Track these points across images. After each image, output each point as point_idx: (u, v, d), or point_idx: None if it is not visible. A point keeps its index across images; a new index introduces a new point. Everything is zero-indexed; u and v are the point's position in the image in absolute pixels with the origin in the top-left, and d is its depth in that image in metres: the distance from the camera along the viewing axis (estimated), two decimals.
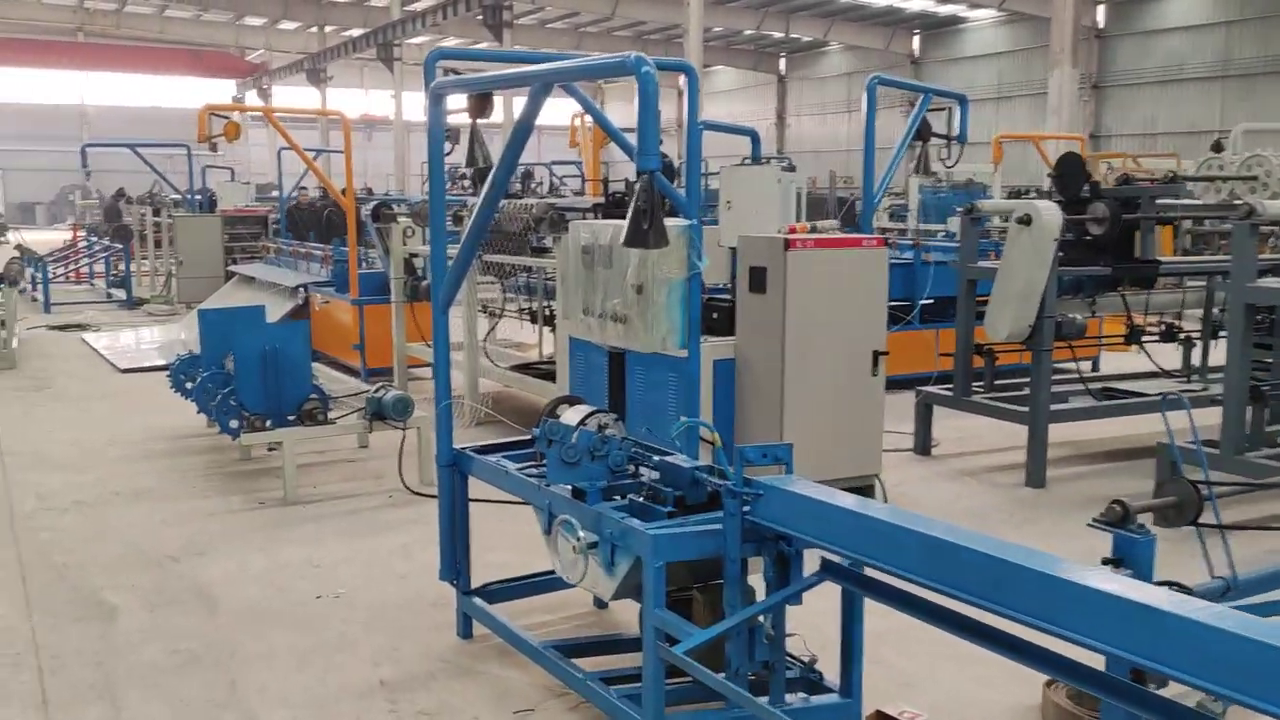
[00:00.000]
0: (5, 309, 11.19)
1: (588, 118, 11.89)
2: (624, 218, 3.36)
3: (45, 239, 27.84)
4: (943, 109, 9.72)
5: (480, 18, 27.98)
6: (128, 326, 14.41)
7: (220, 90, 45.39)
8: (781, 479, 3.11)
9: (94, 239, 21.70)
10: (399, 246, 9.27)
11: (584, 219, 6.50)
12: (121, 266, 18.01)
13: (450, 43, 42.75)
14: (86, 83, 51.19)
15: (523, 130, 3.79)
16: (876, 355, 5.91)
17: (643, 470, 3.75)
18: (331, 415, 6.69)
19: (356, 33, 39.10)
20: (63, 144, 43.23)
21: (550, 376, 7.66)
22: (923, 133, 8.80)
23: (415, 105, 39.52)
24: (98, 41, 49.35)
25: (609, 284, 4.10)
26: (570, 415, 3.77)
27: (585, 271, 4.23)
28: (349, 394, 7.08)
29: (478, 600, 4.30)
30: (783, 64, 44.51)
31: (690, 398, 5.16)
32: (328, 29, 43.02)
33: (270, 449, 6.93)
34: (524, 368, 8.55)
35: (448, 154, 4.21)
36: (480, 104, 5.30)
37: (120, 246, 18.53)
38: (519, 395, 8.71)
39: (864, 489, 5.77)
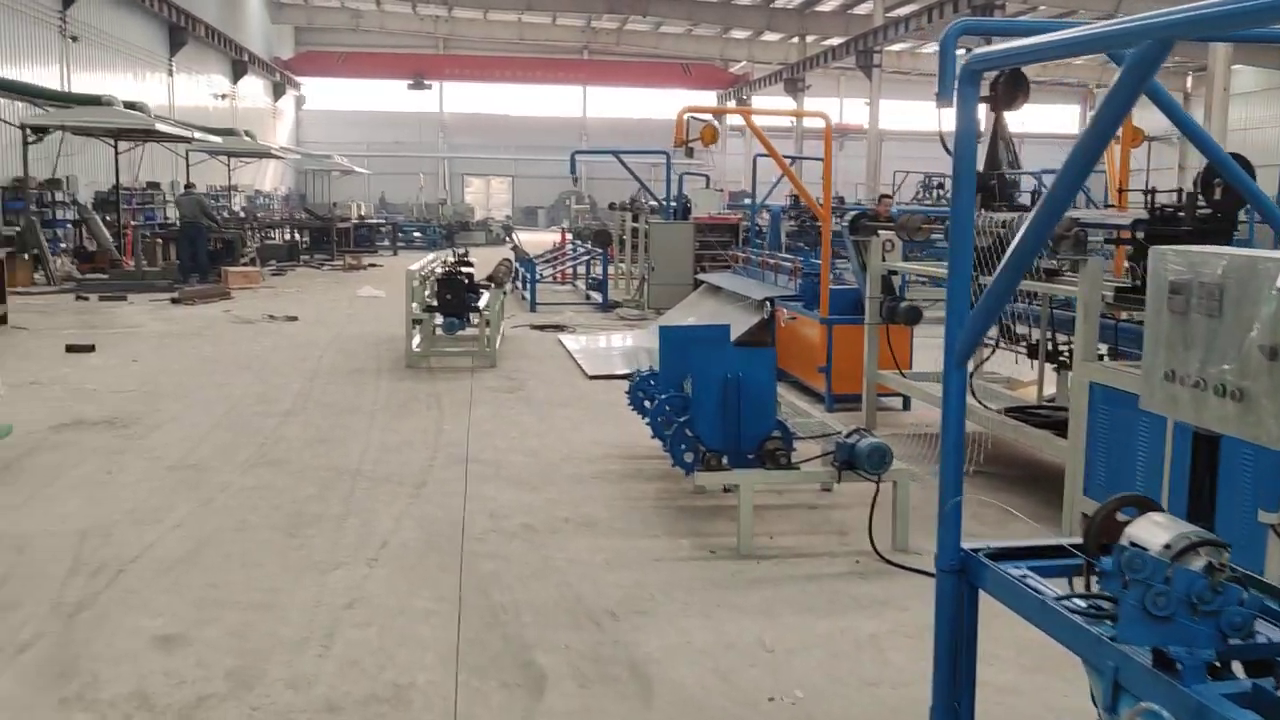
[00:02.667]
0: (491, 310, 11.57)
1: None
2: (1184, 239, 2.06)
3: (540, 240, 30.01)
4: None
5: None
6: (601, 330, 14.66)
7: (703, 102, 46.96)
8: None
9: (579, 243, 22.82)
10: (877, 262, 8.26)
11: (1115, 238, 5.12)
12: (600, 269, 18.60)
13: (929, 49, 41.09)
14: (587, 97, 55.20)
15: (1111, 119, 2.60)
16: None
17: (1266, 632, 2.43)
18: (795, 458, 5.82)
19: (836, 41, 38.68)
20: (564, 154, 47.08)
21: (1053, 426, 6.28)
22: None
23: (890, 113, 38.39)
24: (599, 58, 53.04)
25: (1215, 341, 2.78)
26: (1153, 536, 2.52)
27: (1173, 318, 2.93)
28: (815, 435, 6.16)
29: None
30: None
31: None
32: (809, 39, 43.00)
33: (726, 489, 6.18)
34: (1018, 411, 7.19)
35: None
36: (1011, 91, 4.15)
37: (600, 251, 19.17)
38: (1011, 443, 7.36)
39: None
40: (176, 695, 3.82)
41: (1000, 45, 3.07)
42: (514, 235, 27.70)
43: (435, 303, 11.58)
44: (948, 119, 3.24)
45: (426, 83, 53.28)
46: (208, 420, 8.41)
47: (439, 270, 12.29)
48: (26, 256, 18.78)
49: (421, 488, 6.63)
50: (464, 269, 12.36)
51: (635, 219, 18.81)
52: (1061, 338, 6.82)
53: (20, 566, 5.07)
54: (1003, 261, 2.97)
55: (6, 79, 21.16)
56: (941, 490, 3.23)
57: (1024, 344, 7.55)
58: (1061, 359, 6.84)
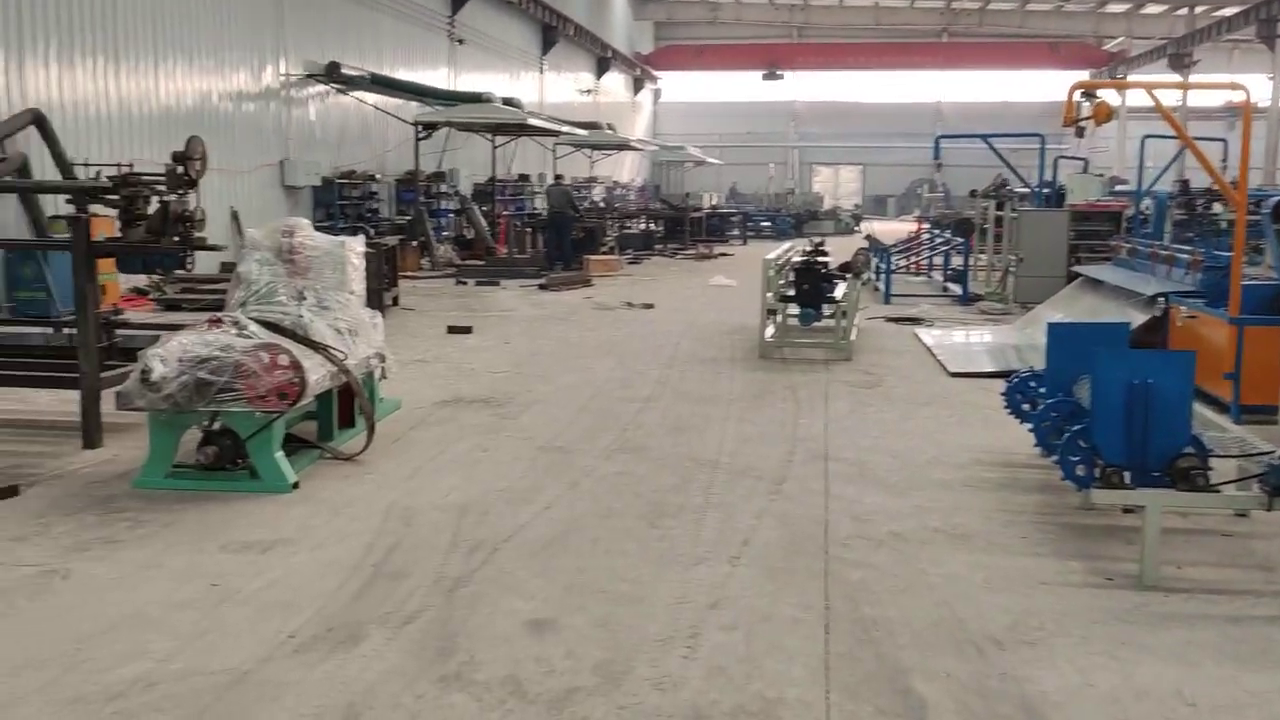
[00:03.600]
0: (848, 301, 11.21)
1: None
2: None
3: (890, 229, 29.20)
4: None
5: None
6: (959, 323, 13.89)
7: (1070, 82, 43.96)
8: None
9: (935, 231, 21.88)
10: None
11: None
12: (960, 260, 17.68)
13: None
14: (943, 81, 53.18)
15: None
16: None
17: None
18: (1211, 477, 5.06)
19: (1231, 11, 34.83)
20: (918, 140, 45.56)
21: None
22: None
23: None
24: (958, 40, 50.93)
25: None
26: None
27: None
28: (1238, 454, 5.34)
29: None
30: None
31: None
32: (1197, 10, 39.05)
33: (1126, 510, 5.50)
34: None
35: None
36: None
37: (961, 240, 18.24)
38: None
39: None
40: (547, 685, 3.79)
41: None
42: (865, 224, 27.07)
43: (791, 292, 11.37)
44: None
45: (779, 73, 53.38)
46: (573, 403, 8.64)
47: (795, 260, 12.06)
48: (415, 243, 20.43)
49: (781, 484, 6.41)
50: (820, 259, 12.07)
51: (1000, 206, 17.72)
52: None
53: (408, 538, 5.32)
54: None
55: (404, 80, 23.15)
56: None
57: None
58: None
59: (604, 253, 22.54)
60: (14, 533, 5.29)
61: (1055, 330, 6.26)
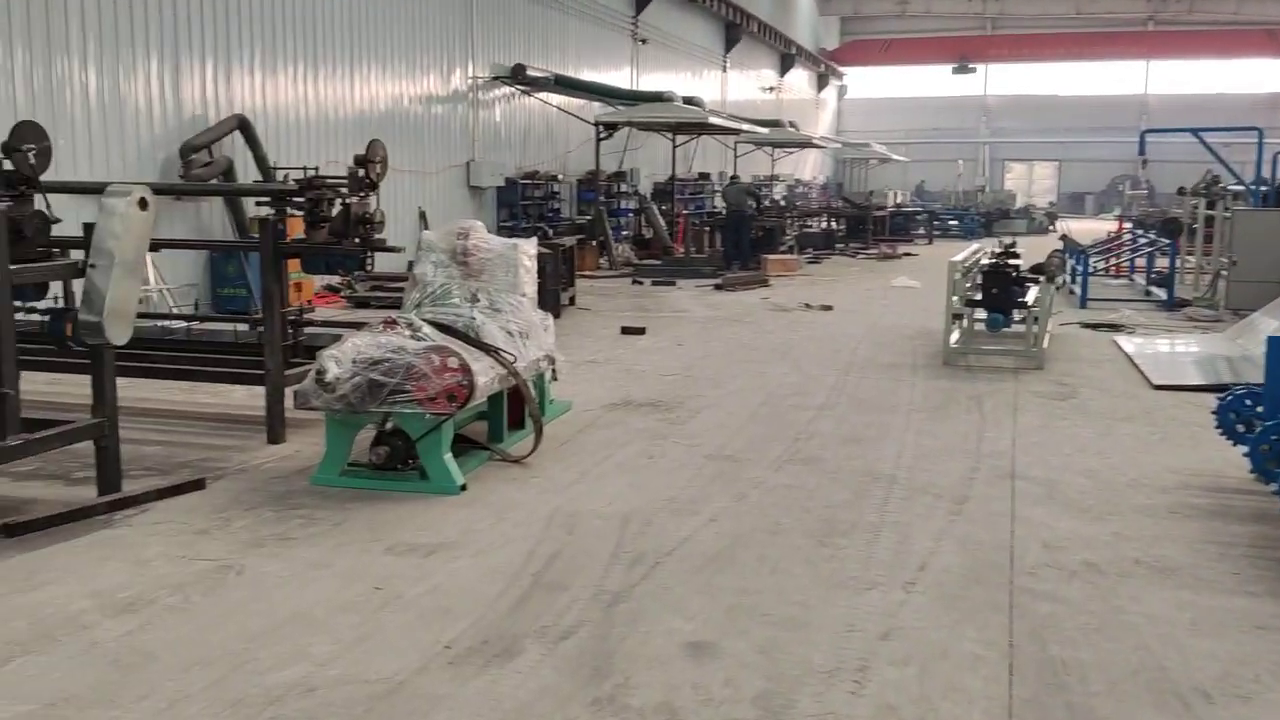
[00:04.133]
0: (1041, 306, 10.60)
1: None
2: None
3: (1088, 229, 27.72)
4: None
5: None
6: (1164, 331, 12.98)
7: None
8: None
9: (1138, 231, 20.61)
10: None
11: None
12: (1165, 263, 16.56)
13: None
14: (1148, 72, 50.37)
15: None
16: None
17: None
18: None
19: None
20: (1119, 135, 43.20)
21: None
22: None
23: None
24: (1165, 29, 48.16)
25: None
26: None
27: None
28: None
29: None
30: None
31: None
32: None
33: None
34: None
35: None
36: None
37: (1167, 241, 17.09)
38: None
39: None
40: (703, 716, 3.61)
41: None
42: (1061, 223, 25.76)
43: (978, 296, 10.83)
44: None
45: (971, 66, 51.64)
46: (744, 410, 8.43)
47: (983, 261, 11.49)
48: (593, 243, 20.59)
49: (963, 503, 6.03)
50: (1010, 260, 11.45)
51: (1211, 205, 16.50)
52: None
53: (570, 546, 5.23)
54: None
55: (587, 81, 23.40)
56: None
57: None
58: None
59: (783, 252, 22.19)
60: (198, 526, 5.47)
61: (1277, 344, 5.67)
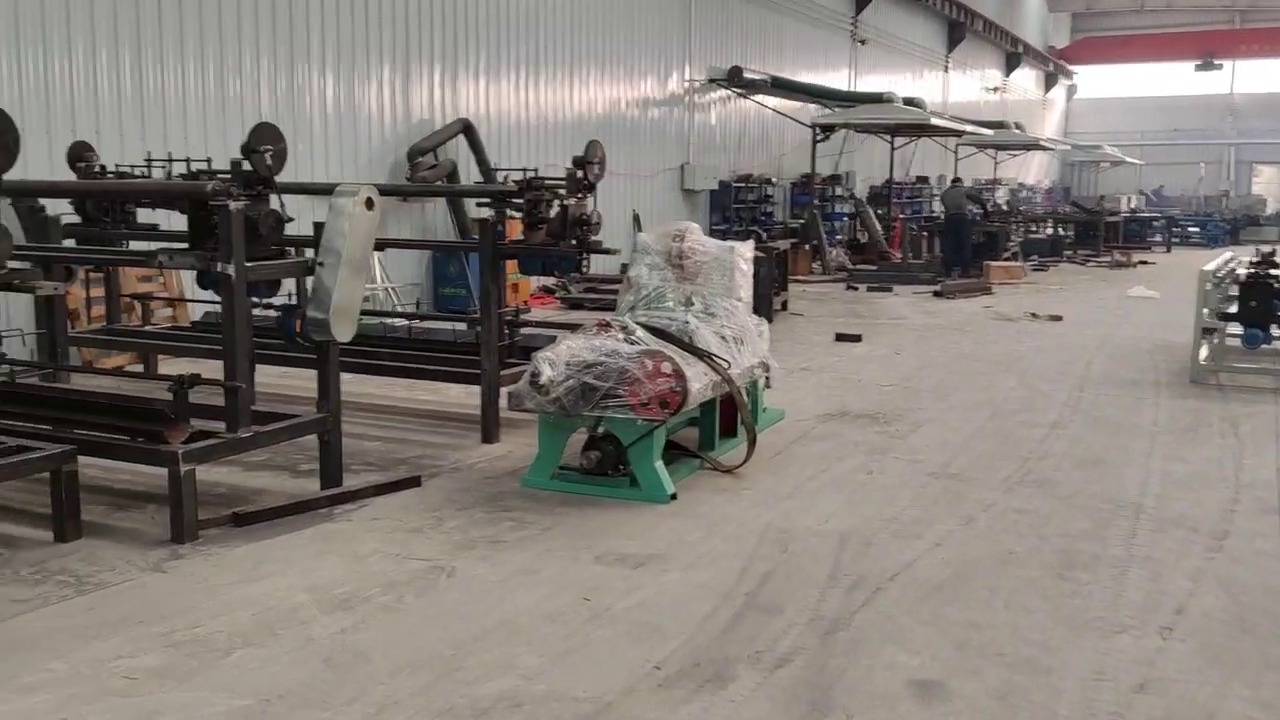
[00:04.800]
0: None
1: None
2: None
3: None
4: None
5: None
6: None
7: None
8: None
9: None
10: None
11: None
12: None
13: None
14: None
15: None
16: None
17: None
18: None
19: None
20: None
21: None
22: None
23: None
24: None
25: None
26: None
27: None
28: None
29: None
30: None
31: None
32: None
33: None
34: None
35: None
36: None
37: None
38: None
39: None
40: None
41: None
42: None
43: (1233, 309, 9.88)
44: None
45: (1216, 62, 48.07)
46: (968, 425, 7.94)
47: (1239, 271, 10.49)
48: (807, 247, 20.19)
49: (1222, 539, 5.42)
50: (1271, 270, 10.41)
51: None
52: None
53: (784, 565, 4.97)
54: None
55: (804, 83, 23.01)
56: None
57: None
58: None
59: (1006, 259, 21.15)
60: (412, 524, 5.50)
61: None
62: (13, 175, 4.68)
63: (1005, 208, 29.37)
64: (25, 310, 7.78)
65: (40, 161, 8.34)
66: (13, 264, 4.90)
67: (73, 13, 9.48)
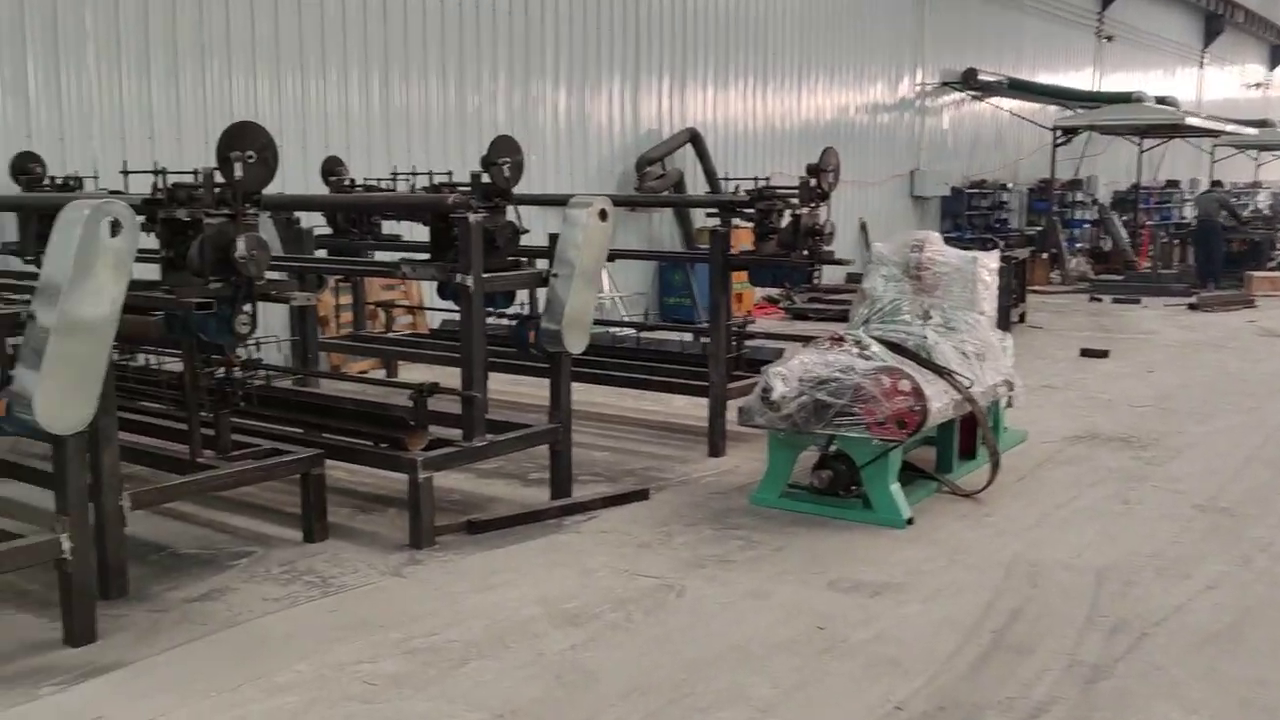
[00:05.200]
0: None
1: None
2: None
3: None
4: None
5: None
6: None
7: None
8: None
9: None
10: None
11: None
12: None
13: None
14: None
15: None
16: None
17: None
18: None
19: None
20: None
21: None
22: None
23: None
24: None
25: None
26: None
27: None
28: None
29: None
30: None
31: None
32: None
33: None
34: None
35: None
36: None
37: None
38: None
39: None
40: None
41: None
42: None
43: None
44: None
45: None
46: (1237, 452, 7.24)
47: None
48: (1044, 255, 19.19)
49: None
50: None
51: None
52: None
53: (1034, 602, 4.61)
54: None
55: (1043, 84, 21.93)
56: None
57: None
58: None
59: (1270, 268, 19.42)
60: (641, 538, 5.44)
61: None
62: (271, 189, 4.90)
63: (1268, 213, 27.06)
64: (281, 317, 8.23)
65: (296, 175, 8.83)
66: (270, 275, 5.13)
67: (327, 38, 10.01)
